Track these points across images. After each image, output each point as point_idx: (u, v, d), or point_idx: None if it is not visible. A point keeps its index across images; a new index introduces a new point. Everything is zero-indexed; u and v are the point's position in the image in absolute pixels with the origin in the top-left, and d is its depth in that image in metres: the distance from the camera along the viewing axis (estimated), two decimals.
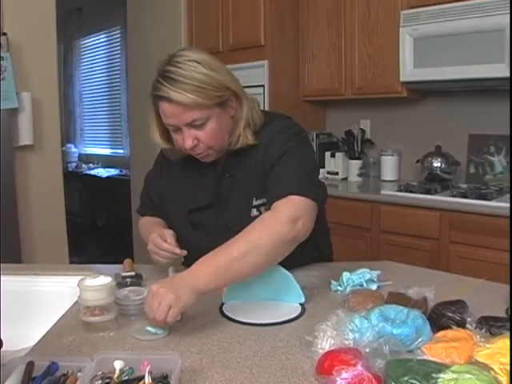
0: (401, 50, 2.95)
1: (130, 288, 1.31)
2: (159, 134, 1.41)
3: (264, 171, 1.36)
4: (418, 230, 2.72)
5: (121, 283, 1.41)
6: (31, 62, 2.96)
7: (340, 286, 1.37)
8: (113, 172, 5.81)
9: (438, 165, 3.07)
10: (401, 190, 2.89)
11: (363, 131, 3.52)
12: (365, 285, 1.36)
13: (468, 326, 1.08)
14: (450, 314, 1.10)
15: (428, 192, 2.80)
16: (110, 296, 1.15)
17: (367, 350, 0.94)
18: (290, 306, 1.27)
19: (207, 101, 1.26)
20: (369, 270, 1.39)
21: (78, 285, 1.14)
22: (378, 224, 2.90)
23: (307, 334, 1.06)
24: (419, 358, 0.95)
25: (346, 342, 0.97)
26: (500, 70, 2.55)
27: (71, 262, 3.30)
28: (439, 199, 2.70)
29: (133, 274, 1.47)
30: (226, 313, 1.25)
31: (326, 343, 0.98)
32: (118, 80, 5.87)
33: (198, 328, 1.16)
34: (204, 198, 1.44)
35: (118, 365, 0.90)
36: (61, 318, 1.23)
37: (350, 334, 0.97)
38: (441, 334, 1.03)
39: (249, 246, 1.18)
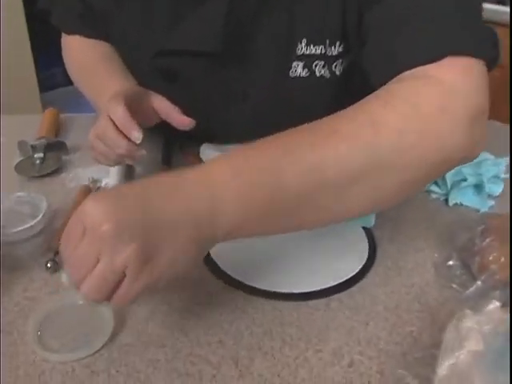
0: None
1: (20, 194, 0.64)
2: None
3: None
4: None
5: (23, 165, 0.76)
6: None
7: (437, 184, 0.72)
8: None
9: None
10: None
11: None
12: (487, 188, 0.70)
13: None
14: None
15: None
16: None
17: None
18: (344, 240, 0.63)
19: None
20: (493, 158, 0.73)
21: None
22: None
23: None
24: None
25: None
26: None
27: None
28: None
29: (52, 141, 0.81)
30: (215, 260, 0.60)
31: None
32: None
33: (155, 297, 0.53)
34: (205, 40, 0.68)
35: None
36: None
37: None
38: None
39: (368, 154, 0.46)
